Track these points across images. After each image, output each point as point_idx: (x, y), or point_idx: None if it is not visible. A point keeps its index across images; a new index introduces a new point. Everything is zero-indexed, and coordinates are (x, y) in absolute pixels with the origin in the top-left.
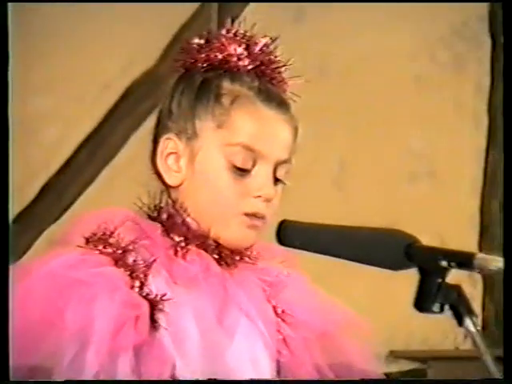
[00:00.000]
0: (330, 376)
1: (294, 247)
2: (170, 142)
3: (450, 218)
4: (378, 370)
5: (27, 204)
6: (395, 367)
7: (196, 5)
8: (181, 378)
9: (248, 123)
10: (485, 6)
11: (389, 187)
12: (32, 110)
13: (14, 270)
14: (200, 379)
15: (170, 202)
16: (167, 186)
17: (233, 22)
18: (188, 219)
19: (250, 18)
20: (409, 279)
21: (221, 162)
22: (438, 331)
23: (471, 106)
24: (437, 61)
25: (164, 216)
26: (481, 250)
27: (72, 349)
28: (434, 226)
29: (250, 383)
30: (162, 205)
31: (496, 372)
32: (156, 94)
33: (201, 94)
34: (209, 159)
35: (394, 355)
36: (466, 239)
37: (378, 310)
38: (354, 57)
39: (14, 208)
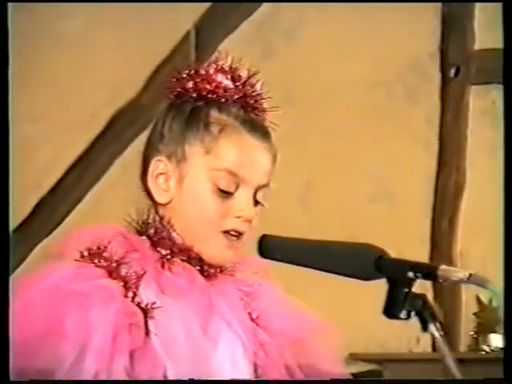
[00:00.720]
0: (300, 377)
1: (275, 259)
2: (160, 164)
3: (405, 234)
4: (343, 371)
5: (21, 220)
6: (354, 368)
7: (175, 40)
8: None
9: (233, 151)
10: (436, 44)
11: (350, 206)
12: (27, 136)
13: (14, 283)
14: (200, 379)
15: (157, 218)
16: (156, 204)
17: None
18: (174, 234)
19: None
20: (368, 289)
21: (207, 185)
22: (393, 336)
23: (423, 134)
24: (393, 93)
25: (151, 231)
26: (434, 248)
27: (72, 354)
28: (390, 241)
29: (250, 383)
30: (150, 221)
31: (457, 373)
32: (139, 122)
33: (191, 122)
34: (196, 181)
35: (354, 357)
36: (418, 253)
37: (341, 317)
38: (319, 89)
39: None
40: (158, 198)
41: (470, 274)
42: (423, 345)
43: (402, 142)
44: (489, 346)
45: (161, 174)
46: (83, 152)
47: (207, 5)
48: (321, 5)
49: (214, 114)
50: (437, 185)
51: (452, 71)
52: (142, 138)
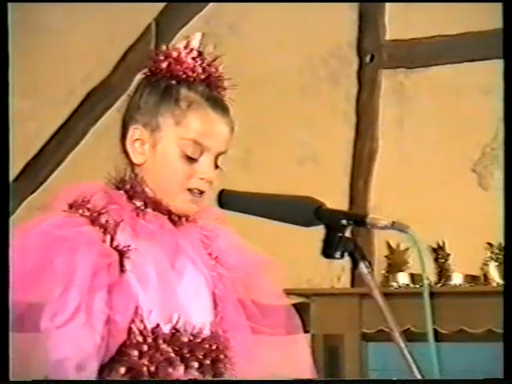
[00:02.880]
0: (251, 306)
1: (231, 210)
2: (137, 131)
3: (328, 191)
4: (283, 302)
5: (11, 180)
6: (286, 301)
7: (139, 31)
8: (144, 308)
9: (198, 123)
10: (354, 34)
11: (283, 168)
12: (17, 110)
13: (13, 229)
14: (200, 379)
15: (132, 175)
16: (132, 164)
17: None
18: (147, 189)
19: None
20: (302, 235)
21: (176, 151)
22: (319, 275)
23: (343, 109)
24: (318, 75)
25: (128, 186)
26: (353, 200)
27: (59, 288)
28: (317, 196)
29: (250, 383)
30: (126, 178)
31: (385, 307)
32: (109, 98)
33: (164, 97)
34: (167, 147)
35: (286, 292)
36: (339, 207)
37: (278, 258)
38: (257, 72)
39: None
40: (135, 159)
41: (393, 222)
42: (343, 282)
43: (325, 116)
44: (397, 282)
45: (137, 139)
46: (63, 123)
47: (165, 2)
48: (259, 3)
49: (184, 91)
50: (354, 150)
51: (367, 57)
52: (112, 112)
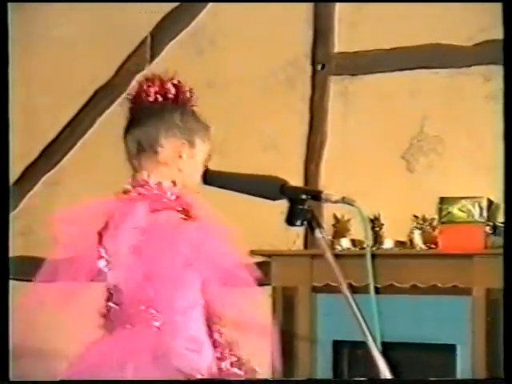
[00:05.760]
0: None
1: (213, 186)
2: (184, 146)
3: (287, 174)
4: (246, 260)
5: (32, 161)
6: (252, 260)
7: (137, 42)
8: None
9: (210, 142)
10: (309, 47)
11: (251, 154)
12: (38, 105)
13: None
14: (200, 379)
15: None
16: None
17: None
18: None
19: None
20: (266, 207)
21: (201, 163)
22: (279, 239)
23: (299, 108)
24: (278, 80)
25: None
26: (308, 181)
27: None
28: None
29: (250, 383)
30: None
31: (335, 265)
32: (111, 96)
33: (198, 120)
34: (199, 160)
35: (252, 253)
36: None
37: (248, 226)
38: (231, 76)
39: (24, 163)
40: (179, 166)
41: (343, 197)
42: (297, 245)
43: (285, 114)
44: (340, 246)
45: (181, 151)
46: (74, 115)
47: (160, 17)
48: (233, 19)
49: (177, 116)
50: (308, 141)
51: (319, 66)
52: (114, 107)
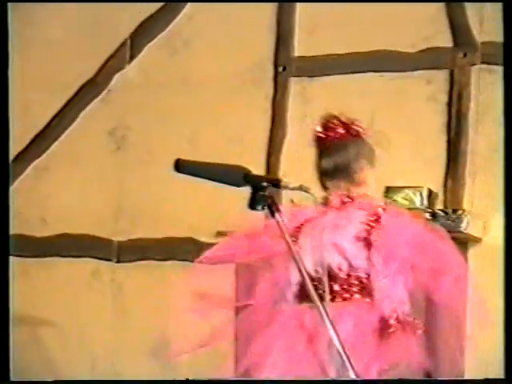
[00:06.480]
0: None
1: (185, 173)
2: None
3: (251, 163)
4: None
5: (23, 147)
6: (219, 240)
7: (118, 43)
8: None
9: None
10: (272, 51)
11: (221, 147)
12: (30, 99)
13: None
14: (200, 379)
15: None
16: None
17: None
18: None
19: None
20: (233, 193)
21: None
22: (241, 221)
23: (263, 106)
24: (245, 80)
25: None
26: (269, 170)
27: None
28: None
29: (251, 383)
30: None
31: (291, 242)
32: (94, 91)
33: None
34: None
35: (219, 233)
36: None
37: (217, 210)
38: (202, 75)
39: (16, 149)
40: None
41: (300, 185)
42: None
43: (250, 110)
44: None
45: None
46: (60, 108)
47: (140, 20)
48: (206, 25)
49: None
50: (270, 136)
51: (281, 68)
52: (95, 102)
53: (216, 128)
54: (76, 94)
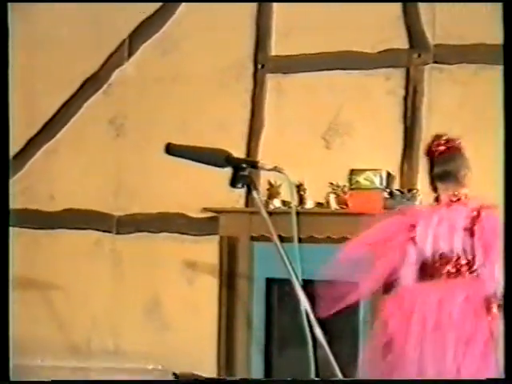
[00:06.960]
0: None
1: (175, 156)
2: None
3: (232, 149)
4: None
5: (33, 135)
6: (205, 215)
7: (117, 43)
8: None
9: None
10: (252, 50)
11: (206, 135)
12: (37, 91)
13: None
14: (200, 379)
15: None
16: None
17: None
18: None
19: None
20: (216, 173)
21: None
22: (225, 199)
23: (243, 99)
24: (228, 76)
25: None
26: (249, 154)
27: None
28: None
29: (251, 383)
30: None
31: (268, 220)
32: (97, 85)
33: None
34: None
35: (205, 209)
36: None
37: (202, 182)
38: (190, 72)
39: (30, 134)
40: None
41: (275, 166)
42: (240, 204)
43: (231, 104)
44: (273, 205)
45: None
46: (66, 100)
47: (137, 22)
48: (194, 28)
49: None
50: (250, 124)
51: (259, 66)
52: (98, 94)
53: (203, 117)
54: (80, 87)
